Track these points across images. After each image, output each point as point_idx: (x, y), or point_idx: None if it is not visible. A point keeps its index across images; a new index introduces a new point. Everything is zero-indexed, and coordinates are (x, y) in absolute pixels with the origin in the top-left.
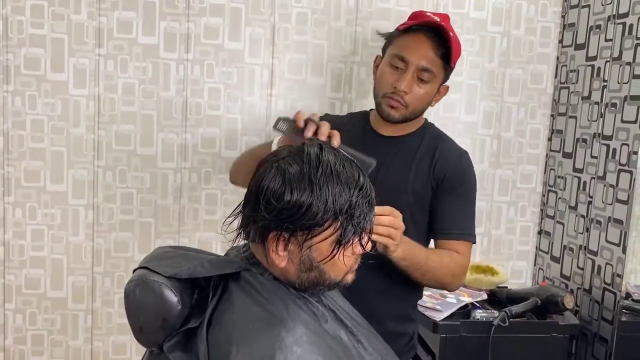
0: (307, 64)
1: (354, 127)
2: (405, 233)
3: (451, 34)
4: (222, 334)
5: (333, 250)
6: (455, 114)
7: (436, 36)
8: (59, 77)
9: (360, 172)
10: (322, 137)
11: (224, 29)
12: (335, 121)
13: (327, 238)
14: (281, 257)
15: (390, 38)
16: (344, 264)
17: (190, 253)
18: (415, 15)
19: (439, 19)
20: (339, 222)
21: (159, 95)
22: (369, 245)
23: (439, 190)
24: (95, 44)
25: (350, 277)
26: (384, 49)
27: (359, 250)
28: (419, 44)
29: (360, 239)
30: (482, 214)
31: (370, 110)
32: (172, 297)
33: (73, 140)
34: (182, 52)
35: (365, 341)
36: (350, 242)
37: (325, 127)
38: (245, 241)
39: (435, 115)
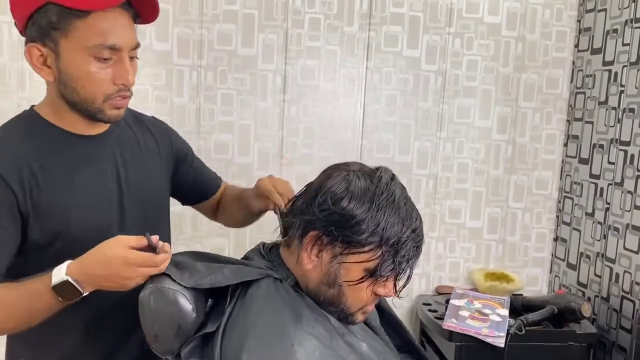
0: (320, 70)
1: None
2: None
3: None
4: (235, 340)
5: (363, 277)
6: (470, 120)
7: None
8: None
9: (418, 217)
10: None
11: (237, 35)
12: None
13: (361, 262)
14: (312, 260)
15: (63, 23)
16: (365, 296)
17: (212, 263)
18: None
19: None
20: (380, 252)
21: (172, 102)
22: (390, 287)
23: None
24: None
25: (361, 317)
26: (52, 38)
27: (384, 291)
28: (119, 21)
29: (395, 280)
30: (497, 220)
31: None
32: (187, 305)
33: None
34: (196, 59)
35: (387, 352)
36: (384, 278)
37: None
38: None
39: (449, 120)
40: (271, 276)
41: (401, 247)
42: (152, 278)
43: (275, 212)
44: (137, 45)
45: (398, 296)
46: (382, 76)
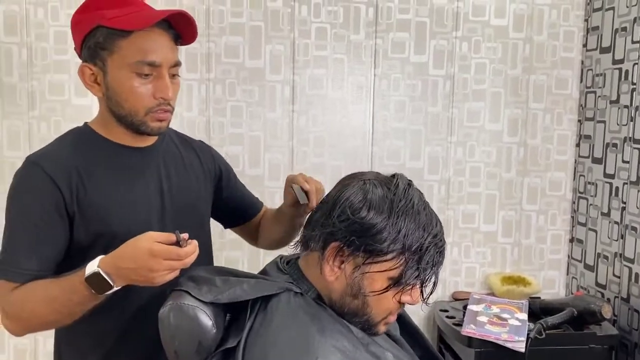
0: (328, 79)
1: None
2: None
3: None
4: (257, 355)
5: (388, 286)
6: (480, 123)
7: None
8: (81, 101)
9: (438, 222)
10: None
11: (244, 47)
12: None
13: (385, 270)
14: (334, 271)
15: (109, 43)
16: (390, 305)
17: (230, 278)
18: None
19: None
20: (403, 259)
21: (182, 116)
22: (416, 294)
23: None
24: None
25: (383, 328)
26: (101, 57)
27: (410, 299)
28: (158, 41)
29: (421, 287)
30: (511, 223)
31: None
32: (207, 320)
33: None
34: (204, 72)
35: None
36: (410, 287)
37: None
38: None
39: (459, 124)
40: (291, 290)
41: (424, 253)
42: (172, 295)
43: (296, 193)
44: (177, 64)
45: (426, 303)
46: (390, 83)
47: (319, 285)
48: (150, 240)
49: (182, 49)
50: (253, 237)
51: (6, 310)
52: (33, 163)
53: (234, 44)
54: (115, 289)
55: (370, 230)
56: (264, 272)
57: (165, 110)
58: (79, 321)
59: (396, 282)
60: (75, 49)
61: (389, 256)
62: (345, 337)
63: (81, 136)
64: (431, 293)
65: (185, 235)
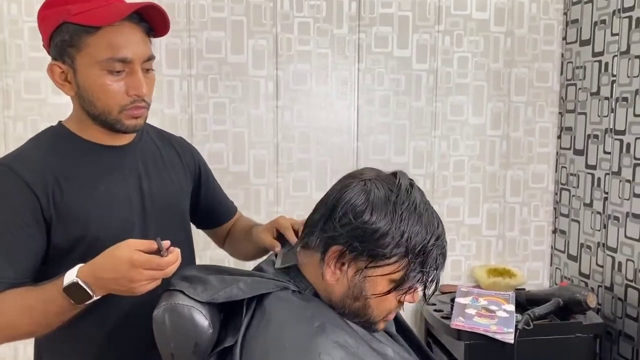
0: (312, 74)
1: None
2: None
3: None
4: (258, 353)
5: (390, 289)
6: (463, 117)
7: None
8: (59, 99)
9: (440, 223)
10: None
11: (226, 42)
12: None
13: (388, 274)
14: (335, 274)
15: (77, 40)
16: (391, 305)
17: (225, 276)
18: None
19: None
20: (406, 261)
21: (164, 113)
22: (417, 295)
23: None
24: None
25: (382, 325)
26: (69, 55)
27: (411, 299)
28: (129, 35)
29: (424, 289)
30: (495, 216)
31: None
32: (203, 320)
33: None
34: (185, 68)
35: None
36: (413, 289)
37: None
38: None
39: (443, 118)
40: (288, 288)
41: (427, 255)
42: (165, 295)
43: (276, 254)
44: (151, 58)
45: (427, 303)
46: (374, 77)
47: (317, 285)
48: (131, 249)
49: (163, 44)
50: (221, 241)
51: None
52: (5, 167)
53: (216, 39)
54: (95, 298)
55: (373, 234)
56: (259, 269)
57: (140, 107)
58: (60, 327)
59: (399, 285)
60: (44, 46)
61: (392, 259)
62: (346, 332)
63: (56, 136)
64: (433, 293)
65: (166, 243)
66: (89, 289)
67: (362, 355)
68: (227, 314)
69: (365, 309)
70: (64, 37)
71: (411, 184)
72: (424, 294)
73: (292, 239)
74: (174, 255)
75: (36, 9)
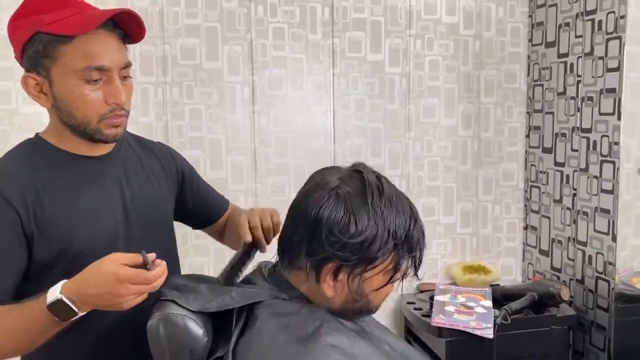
0: (287, 79)
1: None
2: None
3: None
4: None
5: (388, 280)
6: (436, 119)
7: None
8: (31, 109)
9: (410, 203)
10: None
11: (201, 48)
12: None
13: (382, 270)
14: (332, 286)
15: (51, 50)
16: (388, 291)
17: (216, 286)
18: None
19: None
20: (395, 252)
21: (138, 121)
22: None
23: None
24: None
25: (379, 307)
26: (44, 66)
27: (402, 279)
28: (104, 43)
29: (415, 269)
30: (469, 214)
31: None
32: (198, 329)
33: None
34: (160, 75)
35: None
36: (406, 273)
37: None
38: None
39: (416, 120)
40: (279, 297)
41: (411, 239)
42: (158, 305)
43: (243, 246)
44: (128, 65)
45: (418, 278)
46: (348, 82)
47: (314, 298)
48: (116, 264)
49: (137, 51)
50: (218, 236)
51: None
52: None
53: (190, 45)
54: (80, 315)
55: (363, 243)
56: (247, 280)
57: (120, 115)
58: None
59: (394, 274)
60: (16, 58)
61: (385, 256)
62: (341, 332)
63: (34, 148)
64: (417, 270)
65: (152, 256)
66: (74, 305)
67: (358, 352)
68: (217, 324)
69: (367, 304)
70: (37, 48)
71: (377, 176)
72: (415, 272)
73: (246, 237)
74: (161, 269)
75: (4, 16)
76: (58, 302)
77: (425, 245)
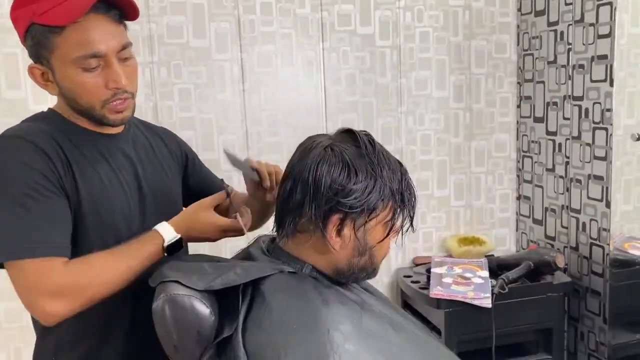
0: (277, 55)
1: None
2: None
3: None
4: (263, 339)
5: (388, 232)
6: (427, 91)
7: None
8: (14, 94)
9: (397, 160)
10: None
11: (188, 26)
12: None
13: (382, 221)
14: (337, 240)
15: (46, 41)
16: (388, 246)
17: (219, 263)
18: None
19: None
20: (392, 202)
21: None
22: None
23: None
24: None
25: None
26: (43, 56)
27: (395, 235)
28: (97, 28)
29: (411, 220)
30: (462, 187)
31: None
32: (204, 309)
33: None
34: (147, 55)
35: (398, 317)
36: (402, 225)
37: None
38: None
39: (408, 94)
40: (284, 271)
41: (404, 190)
42: (161, 287)
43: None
44: (126, 46)
45: (413, 230)
46: (339, 56)
47: (317, 262)
48: (211, 212)
49: None
50: None
51: (60, 288)
52: (20, 139)
53: (177, 23)
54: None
55: (364, 192)
56: (248, 256)
57: (123, 99)
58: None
59: (392, 226)
60: (24, 45)
61: (383, 205)
62: (346, 305)
63: (50, 120)
64: (412, 223)
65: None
66: (183, 242)
67: (366, 326)
68: (221, 302)
69: (371, 259)
70: (34, 39)
71: (366, 134)
72: (411, 225)
73: (264, 173)
74: (247, 218)
75: None
76: (177, 242)
77: (417, 198)
